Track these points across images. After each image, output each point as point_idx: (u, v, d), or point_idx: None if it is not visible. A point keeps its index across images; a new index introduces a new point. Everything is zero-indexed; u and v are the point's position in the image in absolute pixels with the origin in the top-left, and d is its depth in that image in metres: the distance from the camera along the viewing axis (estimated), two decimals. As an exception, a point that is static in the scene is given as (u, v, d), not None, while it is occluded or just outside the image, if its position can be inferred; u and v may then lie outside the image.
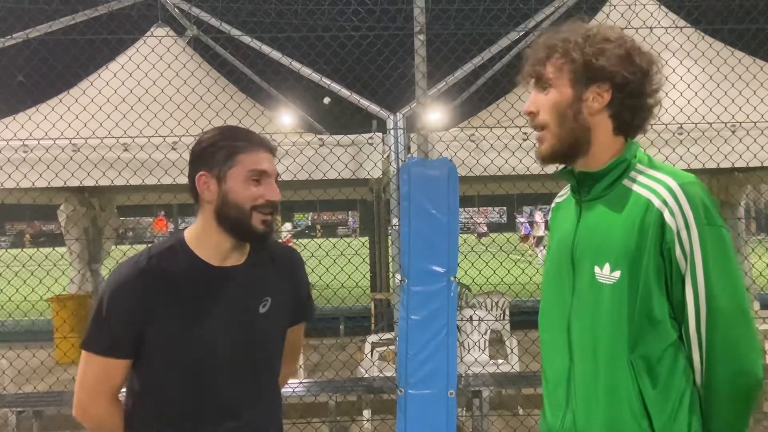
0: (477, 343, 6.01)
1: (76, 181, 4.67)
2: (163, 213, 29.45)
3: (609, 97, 1.70)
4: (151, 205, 15.19)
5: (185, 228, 1.96)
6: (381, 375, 5.55)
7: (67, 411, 2.21)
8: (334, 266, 6.71)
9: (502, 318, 7.19)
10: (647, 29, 5.29)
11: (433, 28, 5.65)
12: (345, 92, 5.09)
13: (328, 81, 5.14)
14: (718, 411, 1.65)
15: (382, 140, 4.72)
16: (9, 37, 5.89)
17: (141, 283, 1.82)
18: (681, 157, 4.65)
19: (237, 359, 1.90)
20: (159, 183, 4.71)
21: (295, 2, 6.76)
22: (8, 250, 29.17)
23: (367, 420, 5.50)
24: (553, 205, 1.98)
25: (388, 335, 6.20)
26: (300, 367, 6.43)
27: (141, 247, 2.18)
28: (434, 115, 6.32)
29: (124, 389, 1.94)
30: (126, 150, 4.67)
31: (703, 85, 5.05)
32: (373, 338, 6.34)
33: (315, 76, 5.23)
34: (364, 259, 10.52)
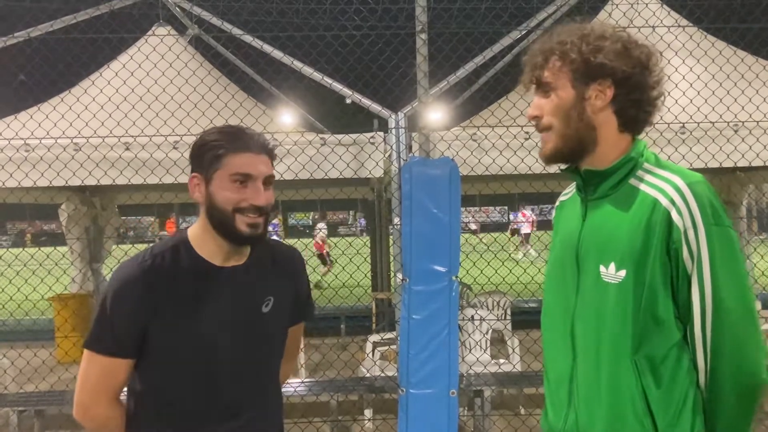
0: (479, 343, 6.00)
1: (77, 180, 4.67)
2: (173, 215, 29.35)
3: (611, 93, 1.69)
4: (152, 204, 15.16)
5: (188, 227, 1.95)
6: (382, 374, 5.54)
7: (68, 410, 2.20)
8: (336, 265, 6.71)
9: (503, 317, 7.18)
10: (650, 28, 5.28)
11: (434, 27, 5.65)
12: (347, 91, 5.09)
13: (329, 80, 5.14)
14: (722, 411, 1.64)
15: (384, 139, 4.71)
16: (11, 36, 5.89)
17: (144, 281, 1.81)
18: (683, 156, 4.64)
19: (238, 359, 1.89)
20: (160, 182, 4.71)
21: (296, 1, 6.77)
22: (10, 249, 29.13)
23: (369, 419, 5.50)
24: (557, 203, 1.97)
25: (389, 335, 6.20)
26: (301, 366, 6.43)
27: (142, 247, 2.17)
28: (436, 114, 6.31)
29: (124, 389, 1.93)
30: (127, 149, 4.67)
31: (706, 84, 5.04)
32: (374, 338, 6.33)
33: (316, 76, 5.22)
34: (365, 259, 10.51)
